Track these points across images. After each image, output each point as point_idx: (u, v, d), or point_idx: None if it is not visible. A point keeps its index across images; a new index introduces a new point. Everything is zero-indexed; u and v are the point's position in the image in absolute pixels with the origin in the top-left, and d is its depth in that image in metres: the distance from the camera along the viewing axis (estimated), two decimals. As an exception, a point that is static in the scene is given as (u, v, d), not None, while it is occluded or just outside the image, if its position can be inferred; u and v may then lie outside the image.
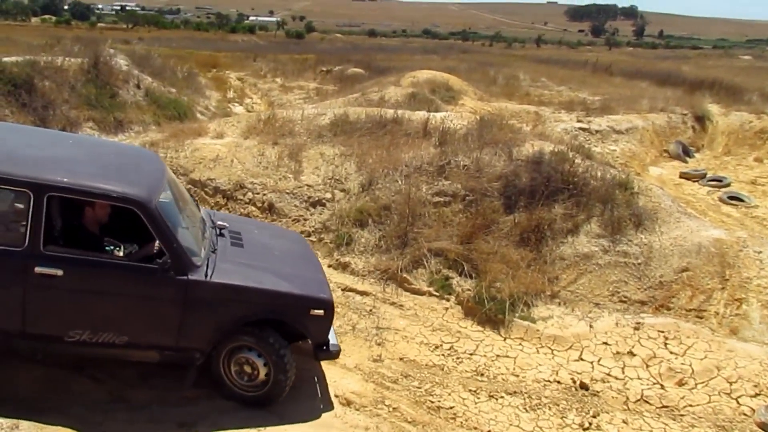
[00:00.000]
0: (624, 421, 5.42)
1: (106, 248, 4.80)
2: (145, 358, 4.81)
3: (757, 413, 5.42)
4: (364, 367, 5.86)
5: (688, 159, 14.83)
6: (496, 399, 5.63)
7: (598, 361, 6.21)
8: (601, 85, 25.61)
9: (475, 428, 5.29)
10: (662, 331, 6.49)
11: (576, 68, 34.51)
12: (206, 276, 4.56)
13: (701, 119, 16.81)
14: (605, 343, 6.42)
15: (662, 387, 5.86)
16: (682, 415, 5.50)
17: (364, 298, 7.07)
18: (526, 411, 5.51)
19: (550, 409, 5.55)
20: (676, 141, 15.36)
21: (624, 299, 6.97)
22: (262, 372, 4.82)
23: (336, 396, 5.34)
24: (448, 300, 7.07)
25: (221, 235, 5.27)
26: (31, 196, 4.21)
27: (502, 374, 6.00)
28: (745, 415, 5.46)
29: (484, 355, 6.26)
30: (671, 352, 6.23)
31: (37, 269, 4.24)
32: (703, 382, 5.84)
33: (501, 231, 7.60)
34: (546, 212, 7.66)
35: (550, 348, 6.41)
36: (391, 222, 7.89)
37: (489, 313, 6.70)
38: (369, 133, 9.85)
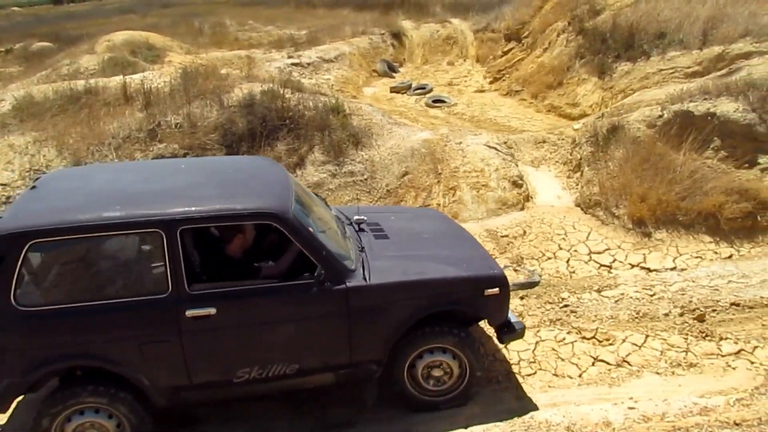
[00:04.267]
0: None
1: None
2: (320, 383, 4.30)
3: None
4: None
5: (394, 74, 15.95)
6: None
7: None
8: (306, 18, 26.00)
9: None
10: (399, 234, 7.05)
11: (280, 6, 34.51)
12: (365, 279, 4.08)
13: (398, 36, 18.06)
14: (353, 260, 6.78)
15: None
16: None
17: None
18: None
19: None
20: (381, 60, 16.36)
21: (361, 215, 7.38)
22: (456, 371, 4.40)
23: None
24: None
25: (361, 230, 4.77)
26: (163, 234, 3.75)
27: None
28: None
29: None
30: (410, 250, 6.82)
31: (189, 313, 3.81)
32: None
33: (231, 182, 7.43)
34: (270, 152, 7.68)
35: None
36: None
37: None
38: (62, 111, 8.80)
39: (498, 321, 4.57)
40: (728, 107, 7.58)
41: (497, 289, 4.40)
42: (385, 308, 4.15)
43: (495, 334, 4.69)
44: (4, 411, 3.94)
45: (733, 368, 4.91)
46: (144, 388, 3.92)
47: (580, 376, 4.92)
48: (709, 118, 7.56)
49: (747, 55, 10.06)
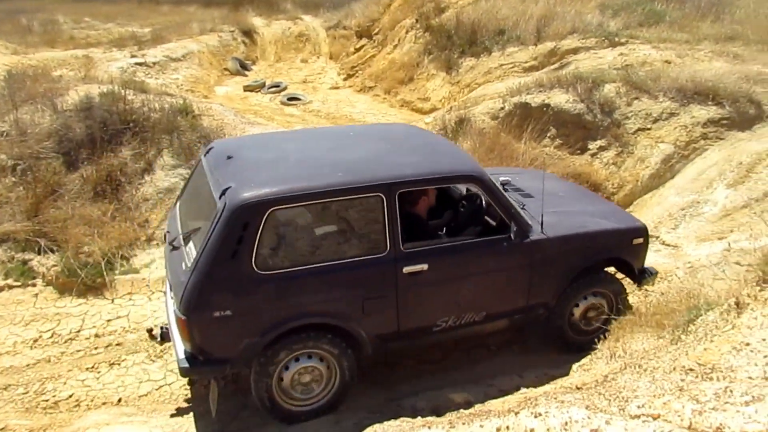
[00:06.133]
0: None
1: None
2: (497, 328, 4.79)
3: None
4: (-51, 406, 4.81)
5: (247, 72, 15.59)
6: (119, 365, 5.29)
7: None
8: (150, 15, 24.64)
9: (105, 402, 4.91)
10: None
11: (120, 2, 32.42)
12: (543, 233, 4.51)
13: (249, 33, 17.65)
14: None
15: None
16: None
17: None
18: (153, 361, 5.32)
19: (177, 348, 5.46)
20: (232, 58, 15.90)
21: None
22: (605, 311, 4.87)
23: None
24: (34, 285, 6.21)
25: (506, 190, 4.94)
26: (383, 197, 4.03)
27: (119, 337, 5.64)
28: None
29: (94, 326, 5.77)
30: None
31: (405, 269, 4.14)
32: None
33: (71, 192, 6.86)
34: (114, 158, 7.17)
35: (161, 291, 6.23)
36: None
37: (86, 281, 6.14)
38: None
39: (640, 267, 5.05)
40: (560, 98, 8.26)
41: (642, 238, 4.97)
42: (558, 258, 4.60)
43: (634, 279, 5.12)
44: (237, 369, 4.19)
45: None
46: (360, 339, 4.22)
47: (439, 362, 5.11)
48: (544, 109, 8.19)
49: (575, 51, 11.02)
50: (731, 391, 2.56)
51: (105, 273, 6.22)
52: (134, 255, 6.60)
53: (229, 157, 4.35)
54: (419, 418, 3.91)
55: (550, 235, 4.53)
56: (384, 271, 4.12)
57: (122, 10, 27.24)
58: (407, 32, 14.17)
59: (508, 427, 2.63)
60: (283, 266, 3.95)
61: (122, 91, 7.89)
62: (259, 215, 3.79)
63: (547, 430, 2.48)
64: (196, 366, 3.95)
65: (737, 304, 3.51)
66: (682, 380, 2.93)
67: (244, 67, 15.69)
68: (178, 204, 4.97)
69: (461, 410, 4.05)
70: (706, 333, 3.47)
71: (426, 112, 11.66)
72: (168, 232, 4.74)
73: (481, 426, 2.78)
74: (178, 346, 4.03)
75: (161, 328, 4.77)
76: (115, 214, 6.83)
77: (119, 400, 4.89)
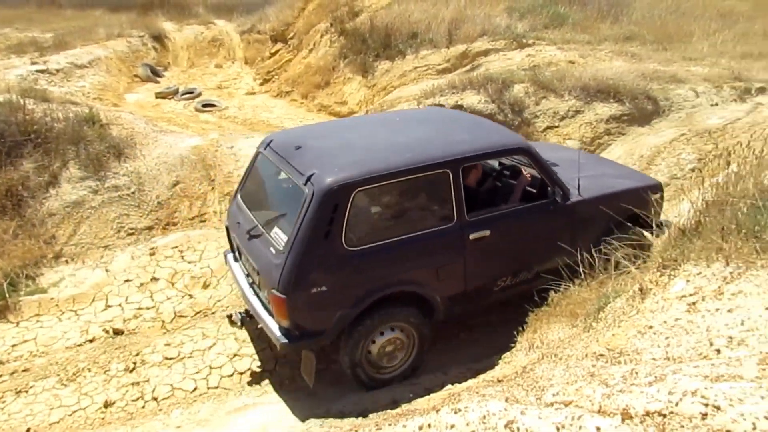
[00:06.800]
0: (166, 344, 5.49)
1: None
2: (541, 285, 4.83)
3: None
4: None
5: (159, 79, 15.07)
6: (26, 392, 4.98)
7: (126, 300, 6.06)
8: (52, 20, 23.35)
9: (12, 434, 4.62)
10: (176, 247, 6.70)
11: (17, 5, 30.64)
12: (580, 195, 5.00)
13: (160, 38, 17.08)
14: (127, 281, 6.29)
15: (191, 296, 6.12)
16: (213, 312, 5.88)
17: None
18: (65, 385, 5.05)
19: (90, 370, 5.20)
20: (143, 64, 15.34)
21: (131, 231, 6.87)
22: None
23: None
24: (-73, 312, 5.76)
25: None
26: (450, 173, 4.42)
27: (25, 362, 5.31)
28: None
29: (-3, 353, 5.41)
30: (189, 262, 6.52)
31: (471, 236, 4.55)
32: (223, 276, 6.33)
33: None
34: (14, 172, 6.77)
35: (72, 311, 5.94)
36: None
37: (-12, 304, 5.75)
38: None
39: (658, 220, 5.32)
40: (473, 99, 8.48)
41: (659, 194, 5.33)
42: (594, 216, 5.00)
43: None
44: (329, 341, 4.40)
45: (499, 332, 5.47)
46: (435, 305, 4.62)
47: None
48: (458, 109, 8.36)
49: (486, 53, 11.33)
50: (637, 373, 2.70)
51: (8, 294, 5.85)
52: (41, 274, 6.26)
53: (297, 147, 4.63)
54: (346, 420, 3.92)
55: (586, 197, 5.07)
56: (453, 239, 4.54)
57: (20, 15, 25.68)
58: (322, 36, 14.14)
59: (429, 425, 2.66)
60: (369, 242, 4.30)
61: (21, 101, 7.44)
62: (346, 197, 4.12)
63: (467, 424, 2.53)
64: (294, 340, 4.25)
65: (641, 289, 3.71)
66: (593, 366, 3.06)
67: (155, 74, 15.16)
68: (239, 197, 5.22)
69: (388, 411, 4.08)
70: (614, 319, 3.64)
71: (344, 116, 11.67)
72: (238, 223, 4.95)
73: (405, 426, 2.80)
74: (272, 325, 4.35)
75: (239, 314, 5.08)
76: (17, 231, 6.43)
77: (28, 430, 4.61)
